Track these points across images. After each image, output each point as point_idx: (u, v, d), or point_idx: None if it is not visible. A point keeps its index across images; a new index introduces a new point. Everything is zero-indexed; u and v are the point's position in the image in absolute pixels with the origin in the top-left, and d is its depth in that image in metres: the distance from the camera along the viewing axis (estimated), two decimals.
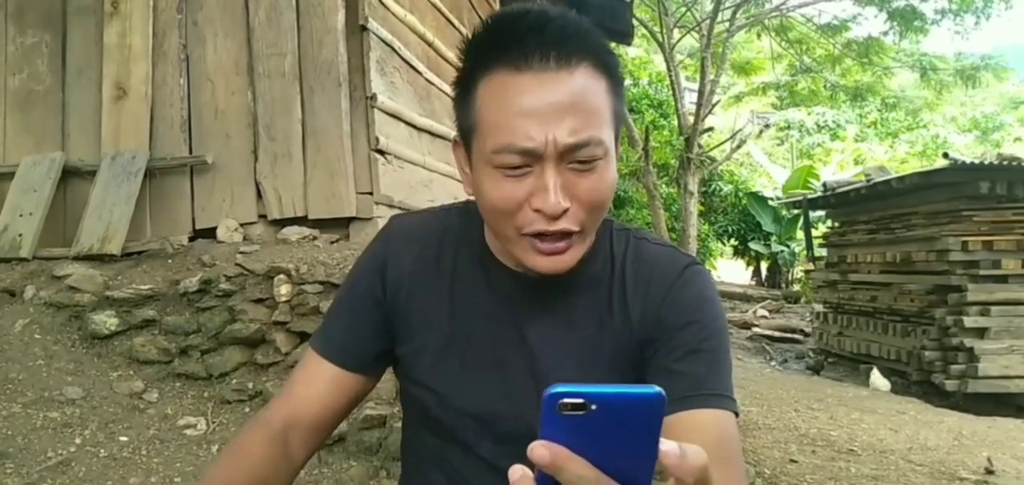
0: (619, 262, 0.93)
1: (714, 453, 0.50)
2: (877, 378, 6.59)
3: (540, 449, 0.44)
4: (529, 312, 0.91)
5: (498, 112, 0.79)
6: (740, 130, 13.98)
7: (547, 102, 0.77)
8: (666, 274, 0.91)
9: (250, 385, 2.86)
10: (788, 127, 20.25)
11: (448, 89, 1.20)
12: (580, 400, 0.44)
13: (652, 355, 0.88)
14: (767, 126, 20.02)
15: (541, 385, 0.46)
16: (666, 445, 0.45)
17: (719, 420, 0.83)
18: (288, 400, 0.96)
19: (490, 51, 0.81)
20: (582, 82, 0.78)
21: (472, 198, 0.90)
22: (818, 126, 20.35)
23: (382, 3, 3.94)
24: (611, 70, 0.82)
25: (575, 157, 0.78)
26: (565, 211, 0.79)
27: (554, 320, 0.91)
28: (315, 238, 3.47)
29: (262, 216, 3.61)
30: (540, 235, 0.81)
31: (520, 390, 0.90)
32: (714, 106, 11.80)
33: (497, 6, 6.18)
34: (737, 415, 0.86)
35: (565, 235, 0.81)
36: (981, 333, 6.06)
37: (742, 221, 15.41)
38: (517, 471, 0.46)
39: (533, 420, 0.46)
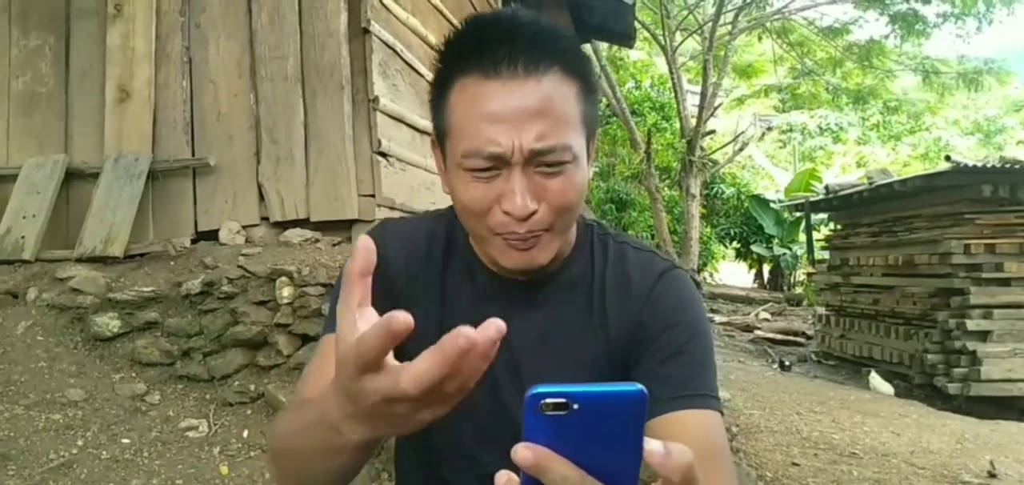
0: (599, 267, 0.94)
1: (702, 453, 0.50)
2: (877, 381, 6.55)
3: (523, 451, 0.44)
4: (513, 315, 0.92)
5: (468, 117, 0.81)
6: (742, 133, 13.97)
7: (514, 108, 0.79)
8: (645, 279, 0.93)
9: (252, 387, 2.86)
10: (790, 130, 20.24)
11: None
12: (562, 400, 0.44)
13: (636, 360, 0.90)
14: (769, 129, 20.02)
15: (524, 388, 0.46)
16: (651, 444, 0.45)
17: (705, 420, 0.85)
18: (310, 392, 0.94)
19: (463, 56, 0.82)
20: (550, 88, 0.80)
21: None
22: (820, 129, 20.34)
23: (384, 6, 3.94)
24: (582, 75, 0.83)
25: (542, 161, 0.80)
26: (533, 213, 0.81)
27: (537, 323, 0.92)
28: (317, 240, 3.47)
29: (264, 218, 3.61)
30: (511, 234, 0.83)
31: (505, 393, 0.91)
32: (716, 109, 11.80)
33: (500, 8, 6.18)
34: (722, 414, 0.88)
35: (534, 235, 0.83)
36: (984, 336, 6.03)
37: (744, 224, 15.40)
38: (503, 476, 0.46)
39: (518, 423, 0.46)
